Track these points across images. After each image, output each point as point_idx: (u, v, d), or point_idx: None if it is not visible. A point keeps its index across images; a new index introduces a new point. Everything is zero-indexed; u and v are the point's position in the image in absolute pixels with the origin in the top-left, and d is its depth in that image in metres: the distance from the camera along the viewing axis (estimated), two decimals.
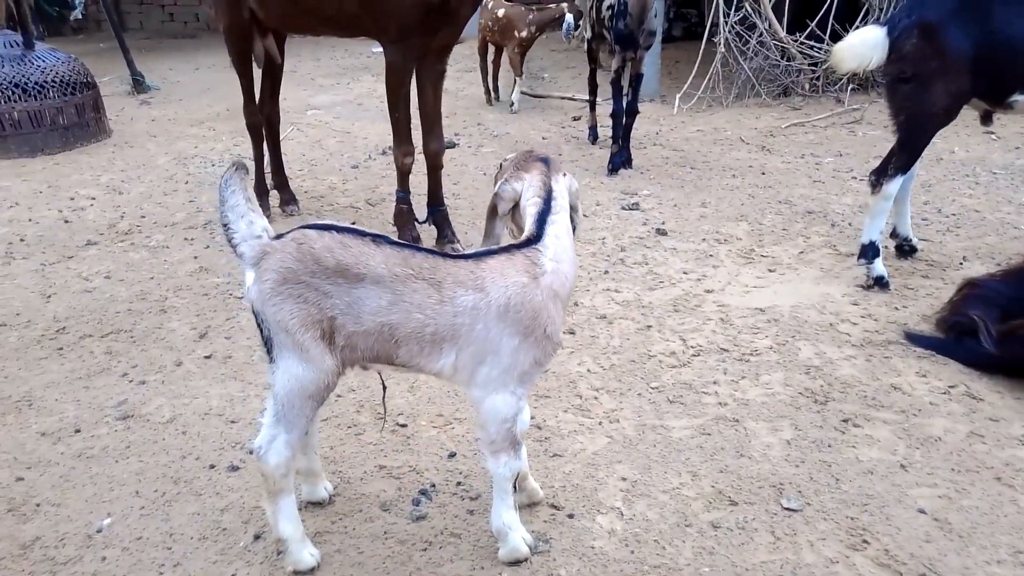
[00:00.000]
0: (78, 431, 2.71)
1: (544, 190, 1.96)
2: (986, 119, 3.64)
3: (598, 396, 2.88)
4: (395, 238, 1.91)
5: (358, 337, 1.85)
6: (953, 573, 2.02)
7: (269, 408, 1.94)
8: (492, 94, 8.13)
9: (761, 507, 2.29)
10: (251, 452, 2.53)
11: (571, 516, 2.27)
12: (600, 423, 2.72)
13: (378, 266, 1.81)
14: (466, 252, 1.94)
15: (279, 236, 1.89)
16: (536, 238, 1.90)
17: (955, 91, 3.29)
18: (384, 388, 2.33)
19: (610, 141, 5.71)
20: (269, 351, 1.88)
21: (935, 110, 3.35)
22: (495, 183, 2.06)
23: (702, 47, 7.66)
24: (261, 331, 1.88)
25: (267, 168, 4.88)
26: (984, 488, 2.34)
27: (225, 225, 1.89)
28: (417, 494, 2.37)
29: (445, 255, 1.90)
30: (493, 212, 2.03)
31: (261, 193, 4.74)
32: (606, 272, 3.93)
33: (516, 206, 2.00)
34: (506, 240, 2.05)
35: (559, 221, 1.94)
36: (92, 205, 5.09)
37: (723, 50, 7.60)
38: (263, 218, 1.90)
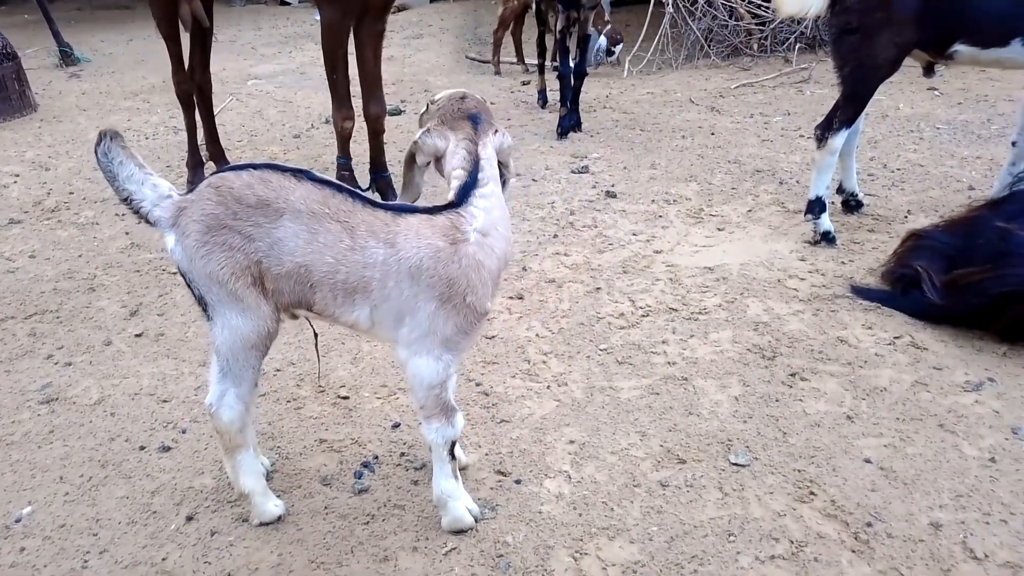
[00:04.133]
0: None
1: (470, 161, 1.84)
2: (928, 71, 3.64)
3: (546, 360, 2.82)
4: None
5: (281, 280, 1.79)
6: (898, 520, 2.03)
7: (214, 365, 1.90)
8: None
9: (709, 464, 2.26)
10: (184, 432, 2.44)
11: (518, 482, 2.22)
12: (548, 387, 2.66)
13: (297, 201, 1.75)
14: (390, 203, 1.84)
15: (190, 190, 1.82)
16: (458, 204, 1.80)
17: (900, 42, 3.27)
18: (316, 335, 2.26)
19: (559, 105, 5.61)
20: (205, 309, 1.84)
21: (880, 61, 3.32)
22: (420, 124, 1.95)
23: (650, 8, 7.58)
24: (192, 291, 1.83)
25: (201, 140, 4.66)
26: (928, 436, 2.35)
27: (127, 199, 1.80)
28: (359, 466, 2.29)
29: (367, 200, 1.81)
30: (411, 161, 1.92)
31: (196, 164, 4.54)
32: (555, 236, 3.86)
33: (439, 159, 1.91)
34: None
35: (489, 193, 1.83)
36: (16, 182, 4.82)
37: (671, 11, 7.53)
38: (163, 179, 1.81)
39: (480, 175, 1.83)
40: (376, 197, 4.06)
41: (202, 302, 1.82)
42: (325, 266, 1.76)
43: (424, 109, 1.99)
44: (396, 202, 1.85)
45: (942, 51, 3.27)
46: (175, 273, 3.52)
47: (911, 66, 3.75)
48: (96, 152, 1.78)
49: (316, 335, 2.26)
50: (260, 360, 1.90)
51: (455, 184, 1.83)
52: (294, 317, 1.94)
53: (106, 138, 1.76)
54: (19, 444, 2.43)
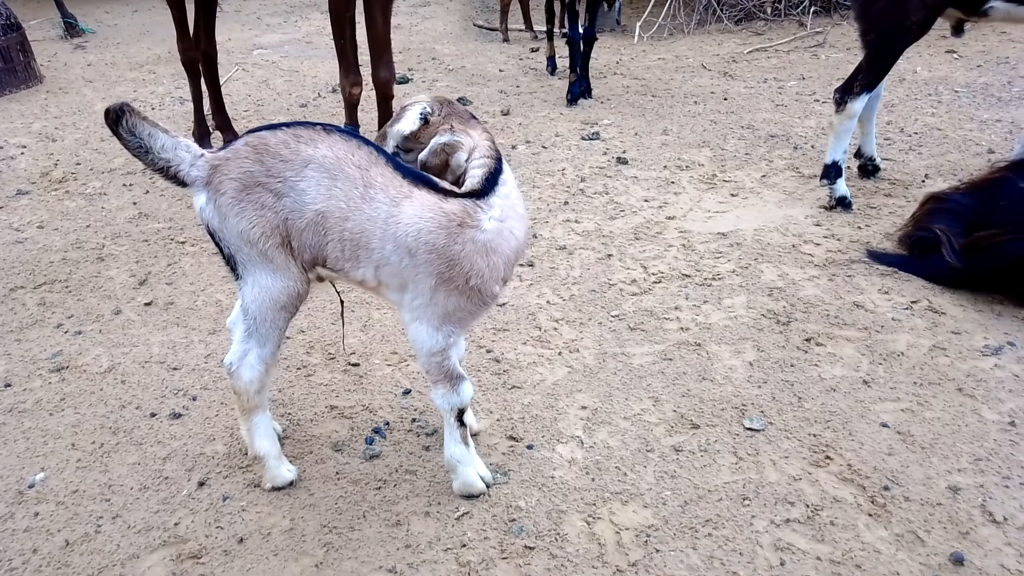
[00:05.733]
0: (9, 385, 2.56)
1: (494, 150, 1.83)
2: (957, 30, 3.53)
3: (558, 327, 2.79)
4: None
5: (304, 234, 1.78)
6: (915, 483, 2.00)
7: (240, 324, 1.91)
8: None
9: (724, 429, 2.24)
10: (194, 399, 2.44)
11: (530, 447, 2.20)
12: (560, 353, 2.63)
13: (324, 149, 1.74)
14: (416, 171, 1.79)
15: (222, 148, 1.81)
16: (482, 194, 1.75)
17: (932, 2, 3.16)
18: (342, 303, 2.27)
19: (569, 72, 5.51)
20: (234, 269, 1.84)
21: (910, 23, 3.22)
22: (388, 136, 1.87)
23: None
24: (221, 251, 1.82)
25: (208, 110, 4.62)
26: (946, 400, 2.31)
27: (163, 168, 1.77)
28: (370, 433, 2.28)
29: (393, 160, 1.78)
30: (446, 166, 1.82)
31: (203, 134, 4.50)
32: (566, 203, 3.80)
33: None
34: None
35: (507, 179, 1.82)
36: (23, 154, 4.80)
37: None
38: (187, 139, 1.79)
39: (504, 164, 1.83)
40: None
41: (231, 261, 1.81)
42: (338, 211, 1.73)
43: (413, 126, 1.84)
44: (425, 174, 1.80)
45: (976, 8, 3.15)
46: (183, 242, 3.51)
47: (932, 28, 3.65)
48: (119, 132, 1.72)
49: (343, 303, 2.25)
50: (287, 322, 1.89)
51: (481, 173, 1.77)
52: (320, 280, 1.92)
53: (125, 115, 1.71)
54: (31, 412, 2.43)
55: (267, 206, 1.74)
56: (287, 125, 1.78)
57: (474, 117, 1.89)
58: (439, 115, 1.84)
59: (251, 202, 1.74)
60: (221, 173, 1.75)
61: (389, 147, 1.86)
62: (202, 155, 1.78)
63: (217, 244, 1.81)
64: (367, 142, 1.79)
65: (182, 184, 1.78)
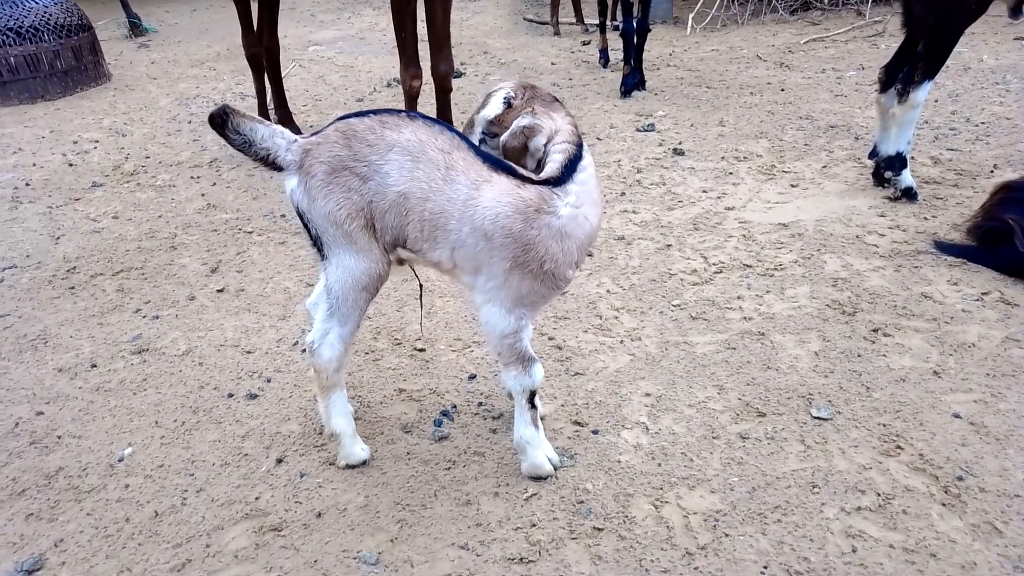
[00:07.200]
0: (94, 366, 2.69)
1: (576, 136, 1.86)
2: (1016, 11, 3.42)
3: (619, 316, 2.81)
4: None
5: (387, 216, 1.84)
6: (991, 475, 1.97)
7: (322, 304, 1.98)
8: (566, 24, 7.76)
9: (790, 417, 2.23)
10: (269, 380, 2.53)
11: (595, 432, 2.23)
12: (622, 341, 2.65)
13: (409, 133, 1.80)
14: (496, 157, 1.84)
15: (314, 133, 1.89)
16: (559, 181, 1.78)
17: None
18: (420, 285, 2.36)
19: (622, 64, 5.50)
20: (320, 249, 1.91)
21: (969, 4, 3.14)
22: (482, 122, 1.91)
23: None
24: (309, 232, 1.90)
25: (270, 104, 4.75)
26: (1021, 391, 2.26)
27: (264, 157, 1.87)
28: (439, 415, 2.34)
29: (474, 147, 1.83)
30: (524, 149, 1.85)
31: None
32: (623, 194, 3.81)
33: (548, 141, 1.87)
34: None
35: (587, 165, 1.85)
36: (96, 148, 5.00)
37: None
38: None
39: (584, 151, 1.86)
40: None
41: (317, 242, 1.89)
42: (419, 192, 1.79)
43: (488, 98, 1.92)
44: (505, 162, 1.84)
45: None
46: (250, 232, 3.63)
47: (994, 16, 3.55)
48: (226, 134, 1.83)
49: (421, 286, 2.34)
50: (367, 303, 1.96)
51: (561, 159, 1.81)
52: (400, 263, 1.98)
53: (229, 117, 1.81)
54: (116, 391, 2.55)
55: (353, 189, 1.81)
56: (374, 112, 1.85)
57: (557, 100, 1.92)
58: (522, 99, 1.88)
59: (338, 185, 1.80)
60: (312, 157, 1.82)
61: (476, 132, 1.91)
62: (295, 140, 1.86)
63: (305, 225, 1.89)
64: (450, 128, 1.84)
65: (278, 169, 1.86)
